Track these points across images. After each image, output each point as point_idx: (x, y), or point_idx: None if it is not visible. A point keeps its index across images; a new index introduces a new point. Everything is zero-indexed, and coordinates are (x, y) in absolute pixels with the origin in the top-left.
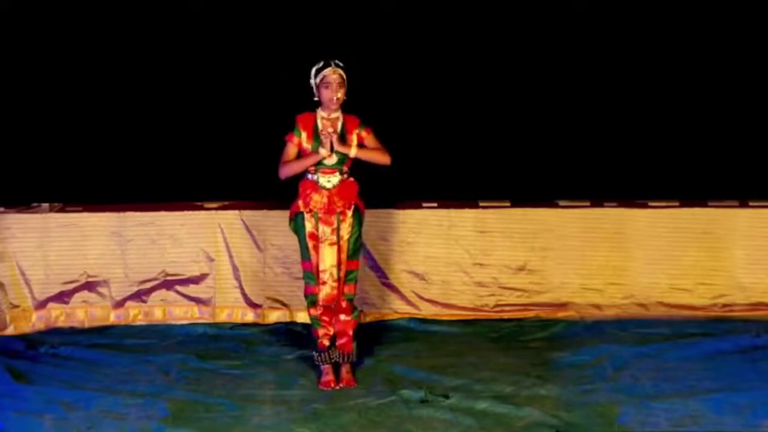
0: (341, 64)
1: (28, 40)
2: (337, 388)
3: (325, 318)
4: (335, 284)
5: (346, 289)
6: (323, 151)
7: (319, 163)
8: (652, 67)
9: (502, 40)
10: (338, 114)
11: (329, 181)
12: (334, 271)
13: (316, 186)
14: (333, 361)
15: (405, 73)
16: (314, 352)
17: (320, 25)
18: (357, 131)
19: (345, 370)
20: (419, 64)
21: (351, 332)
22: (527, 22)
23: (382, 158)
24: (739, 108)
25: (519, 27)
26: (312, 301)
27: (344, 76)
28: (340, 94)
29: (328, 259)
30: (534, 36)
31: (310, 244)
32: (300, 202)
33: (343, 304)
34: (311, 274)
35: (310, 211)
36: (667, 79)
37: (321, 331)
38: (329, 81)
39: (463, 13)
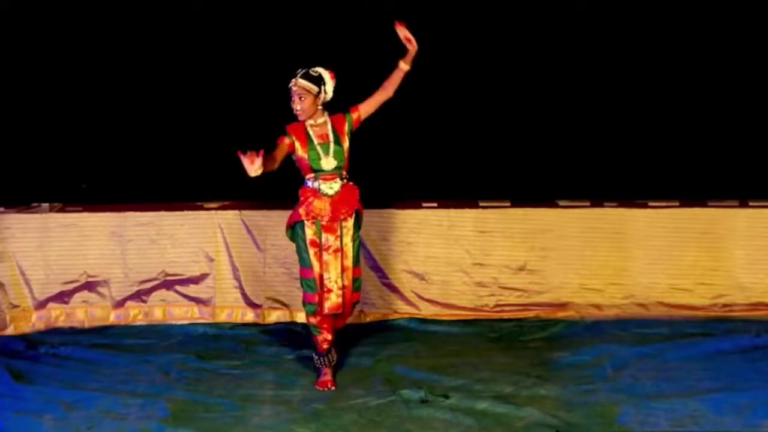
0: (313, 74)
1: (28, 40)
2: (334, 389)
3: (325, 325)
4: (341, 291)
5: (355, 297)
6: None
7: (319, 170)
8: (651, 67)
9: (502, 40)
10: (325, 118)
11: (331, 187)
12: (339, 278)
13: (317, 193)
14: (333, 363)
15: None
16: (314, 355)
17: (321, 25)
18: (347, 127)
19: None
20: (419, 63)
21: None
22: (527, 22)
23: (386, 96)
24: (739, 108)
25: (519, 27)
26: (312, 311)
27: (309, 87)
28: (299, 106)
29: (333, 266)
30: (534, 36)
31: (312, 251)
32: (301, 211)
33: (347, 310)
34: (312, 282)
35: (313, 218)
36: (666, 79)
37: (320, 338)
38: (291, 93)
39: (463, 13)
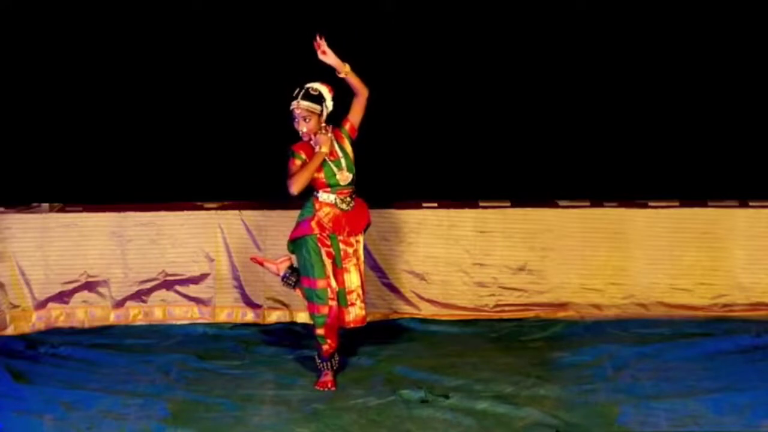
0: (313, 92)
1: (28, 40)
2: (334, 389)
3: (332, 335)
4: (363, 304)
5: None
6: (324, 149)
7: (335, 185)
8: (651, 67)
9: (502, 39)
10: (329, 134)
11: (344, 201)
12: (360, 291)
13: (333, 206)
14: (335, 368)
15: (405, 73)
16: (317, 359)
17: (321, 25)
18: (347, 139)
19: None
20: (419, 64)
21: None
22: (527, 22)
23: (362, 98)
24: (739, 108)
25: (519, 27)
26: (321, 322)
27: (313, 107)
28: (305, 128)
29: (354, 279)
30: (534, 36)
31: (327, 261)
32: (313, 224)
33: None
34: (323, 293)
35: (328, 232)
36: (666, 79)
37: (325, 347)
38: (294, 115)
39: (463, 12)
